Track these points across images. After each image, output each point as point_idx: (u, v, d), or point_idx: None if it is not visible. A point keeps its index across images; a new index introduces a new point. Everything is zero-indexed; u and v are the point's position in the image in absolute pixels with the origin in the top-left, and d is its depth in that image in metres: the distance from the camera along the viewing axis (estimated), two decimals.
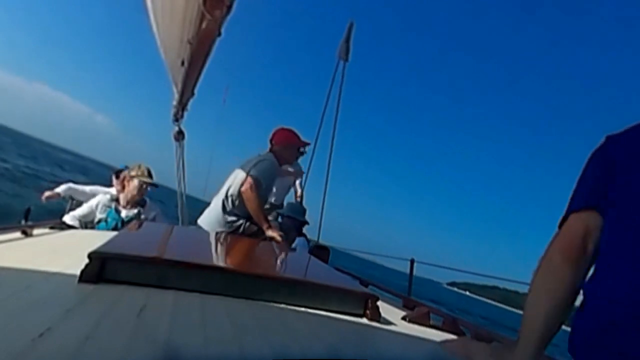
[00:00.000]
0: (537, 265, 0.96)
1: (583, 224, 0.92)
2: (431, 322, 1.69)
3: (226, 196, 3.23)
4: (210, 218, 3.30)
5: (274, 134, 3.49)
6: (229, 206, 3.23)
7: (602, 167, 0.95)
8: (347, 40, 4.96)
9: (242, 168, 3.30)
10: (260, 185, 3.15)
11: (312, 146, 5.02)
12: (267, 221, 3.18)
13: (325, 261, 3.89)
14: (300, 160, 4.46)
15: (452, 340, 1.06)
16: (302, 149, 3.51)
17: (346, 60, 4.93)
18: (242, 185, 3.12)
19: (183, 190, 5.63)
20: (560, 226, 0.97)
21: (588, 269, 0.92)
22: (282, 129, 3.52)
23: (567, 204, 0.99)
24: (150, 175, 3.55)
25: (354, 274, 3.05)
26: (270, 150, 3.44)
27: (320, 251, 3.96)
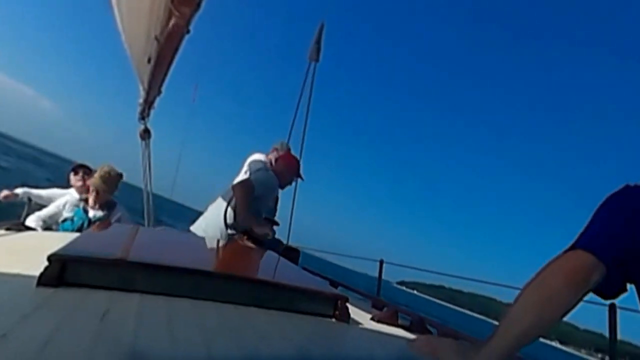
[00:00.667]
0: (532, 279, 0.95)
1: (593, 262, 0.91)
2: (399, 322, 1.72)
3: (227, 207, 3.17)
4: (206, 227, 3.22)
5: (281, 155, 3.52)
6: (230, 219, 3.15)
7: (630, 226, 0.94)
8: (318, 42, 4.96)
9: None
10: (253, 188, 3.08)
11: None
12: (254, 217, 3.09)
13: (296, 263, 3.87)
14: None
15: (418, 339, 1.07)
16: (295, 179, 3.52)
17: (317, 61, 4.93)
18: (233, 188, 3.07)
19: (150, 190, 5.49)
20: (566, 252, 0.97)
21: (580, 301, 0.93)
22: (291, 154, 3.57)
23: (579, 235, 0.99)
24: (110, 178, 3.39)
25: (324, 275, 3.05)
26: (271, 166, 3.44)
27: (290, 253, 3.95)
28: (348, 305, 1.48)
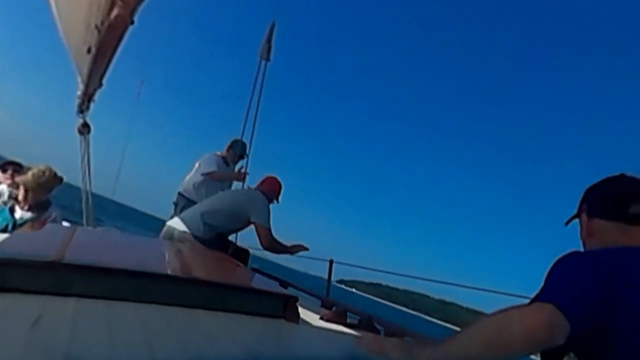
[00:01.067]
0: (495, 317, 0.93)
1: (561, 322, 0.87)
2: (348, 321, 1.74)
3: (211, 211, 3.36)
4: (184, 223, 3.35)
5: (266, 179, 3.75)
6: (211, 221, 3.32)
7: (600, 293, 0.93)
8: (269, 40, 4.95)
9: (235, 200, 3.52)
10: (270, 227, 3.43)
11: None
12: (285, 246, 3.53)
13: (245, 264, 3.81)
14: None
15: (365, 337, 1.09)
16: (275, 199, 3.78)
17: (268, 59, 4.93)
18: (260, 237, 3.35)
19: (88, 188, 5.19)
20: (533, 301, 0.95)
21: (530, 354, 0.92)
22: (273, 177, 3.76)
23: (546, 286, 0.97)
24: (44, 177, 3.14)
25: (274, 275, 3.03)
26: (258, 189, 3.70)
27: (239, 254, 3.88)
28: (297, 305, 1.48)
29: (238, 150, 4.91)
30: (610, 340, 0.94)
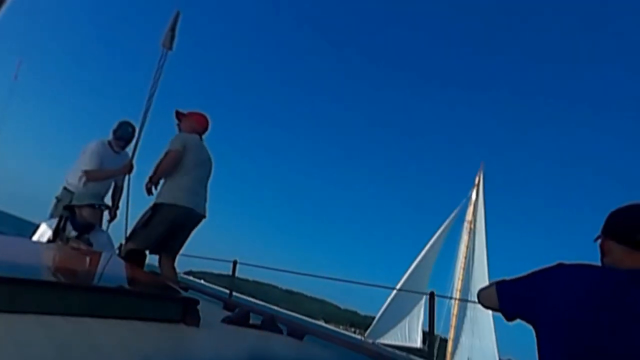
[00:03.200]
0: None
1: (494, 299, 1.50)
2: (251, 322, 1.72)
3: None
4: None
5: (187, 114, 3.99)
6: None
7: (531, 294, 1.39)
8: (173, 29, 4.86)
9: None
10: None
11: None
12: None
13: (142, 266, 3.57)
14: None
15: None
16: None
17: (170, 49, 4.85)
18: None
19: None
20: (493, 283, 1.56)
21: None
22: (195, 113, 3.98)
23: (510, 279, 1.50)
24: None
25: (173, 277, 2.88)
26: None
27: (135, 255, 3.62)
28: (199, 308, 1.42)
29: (124, 133, 4.67)
30: (538, 334, 1.36)
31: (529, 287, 1.42)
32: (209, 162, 3.95)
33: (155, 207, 3.54)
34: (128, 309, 1.26)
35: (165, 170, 3.56)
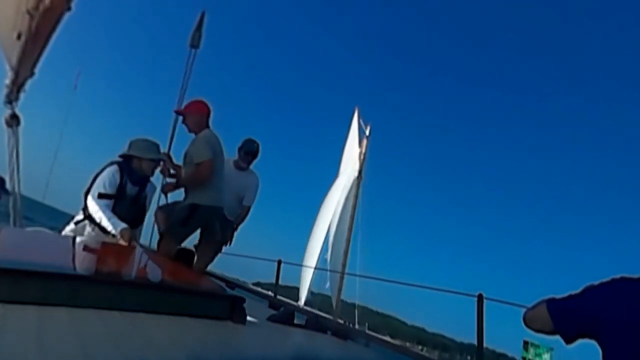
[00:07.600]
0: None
1: (545, 317, 1.34)
2: (296, 322, 1.73)
3: None
4: None
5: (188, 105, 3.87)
6: None
7: (601, 305, 1.27)
8: (199, 29, 4.98)
9: None
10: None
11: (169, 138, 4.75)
12: None
13: (190, 265, 3.70)
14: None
15: None
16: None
17: (197, 47, 4.96)
18: None
19: (17, 185, 4.81)
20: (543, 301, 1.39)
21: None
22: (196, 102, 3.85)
23: (561, 297, 1.36)
24: None
25: (221, 276, 2.97)
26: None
27: (184, 255, 3.76)
28: (245, 306, 1.45)
29: (250, 148, 4.68)
30: (605, 352, 1.26)
31: (589, 304, 1.31)
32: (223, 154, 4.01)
33: (194, 208, 3.62)
34: (179, 306, 1.31)
35: (204, 182, 3.60)
